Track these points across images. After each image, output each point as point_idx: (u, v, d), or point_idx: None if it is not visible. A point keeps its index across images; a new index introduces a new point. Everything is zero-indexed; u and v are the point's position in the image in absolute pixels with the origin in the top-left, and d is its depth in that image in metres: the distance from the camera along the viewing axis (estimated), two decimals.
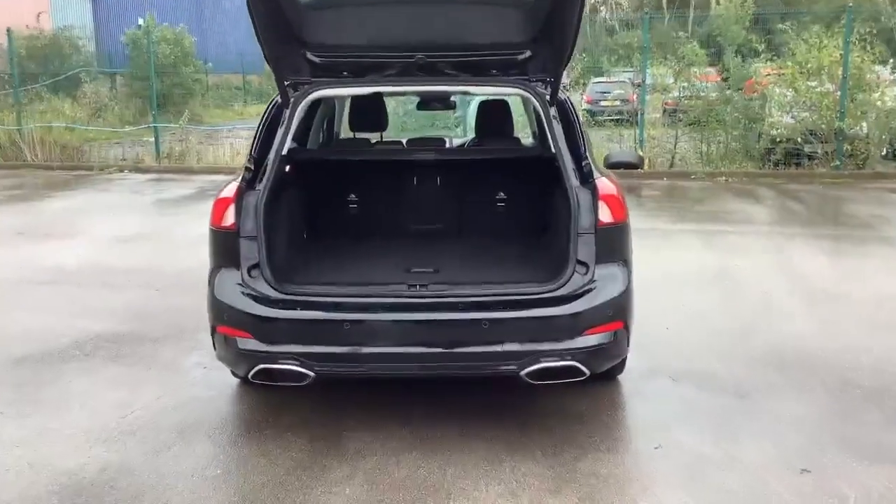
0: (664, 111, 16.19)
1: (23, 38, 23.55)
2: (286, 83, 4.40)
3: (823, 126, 13.56)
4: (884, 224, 9.87)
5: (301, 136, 5.62)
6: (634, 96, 17.82)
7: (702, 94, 14.91)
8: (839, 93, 13.34)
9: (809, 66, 13.49)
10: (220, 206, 4.12)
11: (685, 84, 15.06)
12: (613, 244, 4.09)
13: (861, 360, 5.16)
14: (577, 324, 3.89)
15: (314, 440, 4.16)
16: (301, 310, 3.93)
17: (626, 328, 4.08)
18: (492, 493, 3.65)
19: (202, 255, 4.48)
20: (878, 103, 13.37)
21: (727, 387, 4.80)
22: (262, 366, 3.91)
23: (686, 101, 15.13)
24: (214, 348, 4.20)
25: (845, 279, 7.21)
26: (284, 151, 4.34)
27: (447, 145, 6.09)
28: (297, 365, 3.85)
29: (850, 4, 13.73)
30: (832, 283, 7.06)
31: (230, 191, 4.14)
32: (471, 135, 10.68)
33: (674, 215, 10.70)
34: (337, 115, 6.86)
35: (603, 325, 3.93)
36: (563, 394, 4.51)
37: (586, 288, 3.94)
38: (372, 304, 3.95)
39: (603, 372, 4.28)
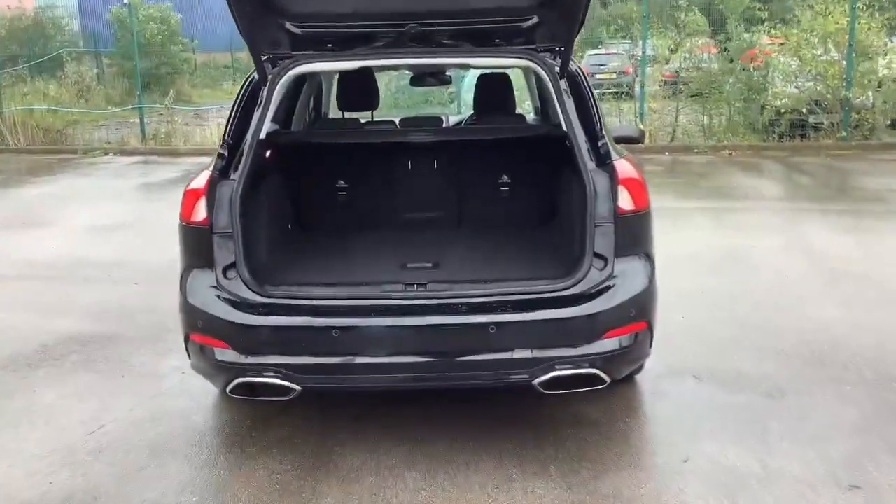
0: (664, 83, 15.71)
1: (5, 20, 22.94)
2: (263, 58, 3.91)
3: (829, 96, 13.19)
4: None
5: (284, 116, 5.14)
6: (631, 68, 17.33)
7: (703, 65, 14.45)
8: (845, 61, 12.89)
9: (815, 33, 13.01)
10: (189, 199, 3.65)
11: (686, 55, 14.59)
12: (635, 235, 3.63)
13: None
14: (595, 326, 3.44)
15: (302, 458, 3.72)
16: (283, 315, 3.47)
17: (650, 328, 3.64)
18: None
19: None
20: (885, 71, 12.91)
21: (757, 386, 4.36)
22: (240, 380, 3.47)
23: (686, 73, 14.68)
24: (189, 357, 3.75)
25: (867, 258, 6.79)
26: (263, 135, 3.86)
27: (444, 124, 5.60)
28: (280, 378, 3.40)
29: None
30: (854, 262, 6.64)
31: (201, 181, 3.67)
32: (466, 111, 10.21)
33: (679, 192, 10.23)
34: (324, 93, 6.36)
35: (624, 327, 3.49)
36: (575, 398, 4.04)
37: (605, 285, 3.48)
38: (363, 307, 3.48)
39: None
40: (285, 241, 4.36)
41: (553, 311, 3.44)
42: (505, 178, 4.91)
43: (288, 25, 3.87)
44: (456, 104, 14.57)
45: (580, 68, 4.22)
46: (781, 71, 13.74)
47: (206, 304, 3.53)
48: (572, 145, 3.72)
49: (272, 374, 3.40)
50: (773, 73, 13.95)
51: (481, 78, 5.30)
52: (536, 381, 3.42)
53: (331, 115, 6.37)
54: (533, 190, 4.84)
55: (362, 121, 5.38)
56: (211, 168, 3.73)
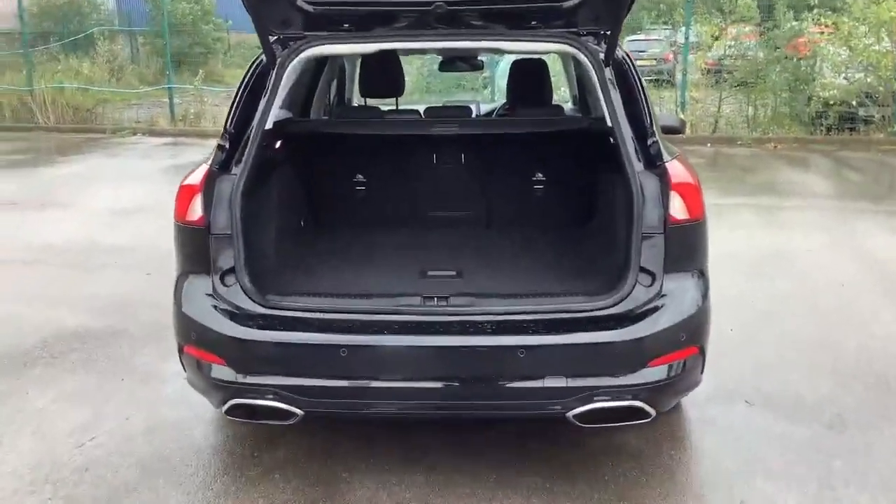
0: (707, 71, 15.11)
1: None
2: (272, 38, 3.51)
3: (881, 88, 12.61)
4: None
5: (303, 103, 4.75)
6: (671, 55, 16.72)
7: (749, 53, 13.83)
8: None
9: (867, 21, 12.35)
10: (184, 196, 3.26)
11: (732, 43, 13.97)
12: (688, 248, 3.19)
13: None
14: (640, 352, 3.00)
15: (307, 486, 3.35)
16: (285, 330, 3.07)
17: (702, 354, 3.20)
18: None
19: None
20: None
21: (817, 414, 3.91)
22: (236, 400, 3.09)
23: (731, 62, 14.07)
24: (184, 370, 3.39)
25: None
26: (269, 124, 3.46)
27: (474, 114, 5.14)
28: (280, 401, 3.02)
29: None
30: None
31: (197, 176, 3.28)
32: (500, 99, 9.73)
33: (723, 187, 9.68)
34: (347, 79, 5.95)
35: (673, 353, 3.05)
36: None
37: (652, 305, 3.05)
38: (375, 323, 3.08)
39: None
40: (292, 242, 3.95)
41: (592, 333, 3.01)
42: (539, 176, 4.46)
43: (300, 3, 3.40)
44: (490, 90, 14.08)
45: (627, 55, 3.73)
46: (830, 61, 13.14)
47: (201, 314, 3.14)
48: (617, 143, 3.27)
49: (271, 396, 3.02)
50: (821, 63, 13.34)
51: (515, 64, 4.81)
52: (571, 413, 3.00)
53: (354, 103, 5.95)
54: (570, 190, 4.39)
55: (385, 109, 4.93)
56: (209, 161, 3.34)
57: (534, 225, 4.41)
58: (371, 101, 5.18)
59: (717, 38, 14.17)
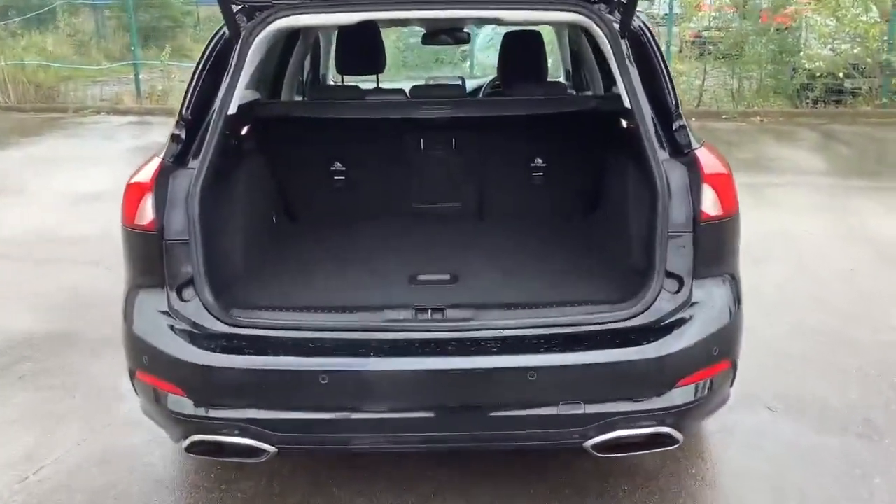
0: (691, 42, 14.76)
1: None
2: (235, 8, 3.02)
3: (868, 59, 12.31)
4: None
5: (272, 82, 4.26)
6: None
7: (733, 24, 13.46)
8: (888, 23, 12.02)
9: None
10: (132, 196, 2.80)
11: (716, 14, 13.60)
12: (720, 248, 2.78)
13: None
14: (667, 371, 2.59)
15: None
16: (254, 354, 2.62)
17: (734, 367, 2.81)
18: None
19: None
20: None
21: (846, 422, 3.56)
22: (198, 437, 2.64)
23: (714, 33, 13.72)
24: (137, 395, 2.93)
25: None
26: (233, 108, 2.99)
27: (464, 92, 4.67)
28: (248, 436, 2.58)
29: None
30: None
31: (147, 172, 2.81)
32: (481, 74, 9.23)
33: None
34: (322, 53, 5.45)
35: (705, 370, 2.65)
36: None
37: (680, 315, 2.65)
38: (359, 342, 2.63)
39: None
40: (262, 247, 3.47)
41: (611, 350, 2.59)
42: (539, 162, 4.01)
43: None
44: (469, 64, 13.57)
45: (645, 24, 3.25)
46: (817, 32, 12.79)
47: (154, 335, 2.68)
48: (637, 127, 2.83)
49: (238, 432, 2.57)
50: (807, 35, 13.00)
51: (508, 36, 4.33)
52: (589, 443, 2.60)
53: (330, 81, 5.47)
54: (576, 177, 3.94)
55: (365, 88, 4.44)
56: (162, 154, 2.87)
57: (533, 218, 3.97)
58: (349, 80, 4.69)
59: (698, 8, 13.82)
